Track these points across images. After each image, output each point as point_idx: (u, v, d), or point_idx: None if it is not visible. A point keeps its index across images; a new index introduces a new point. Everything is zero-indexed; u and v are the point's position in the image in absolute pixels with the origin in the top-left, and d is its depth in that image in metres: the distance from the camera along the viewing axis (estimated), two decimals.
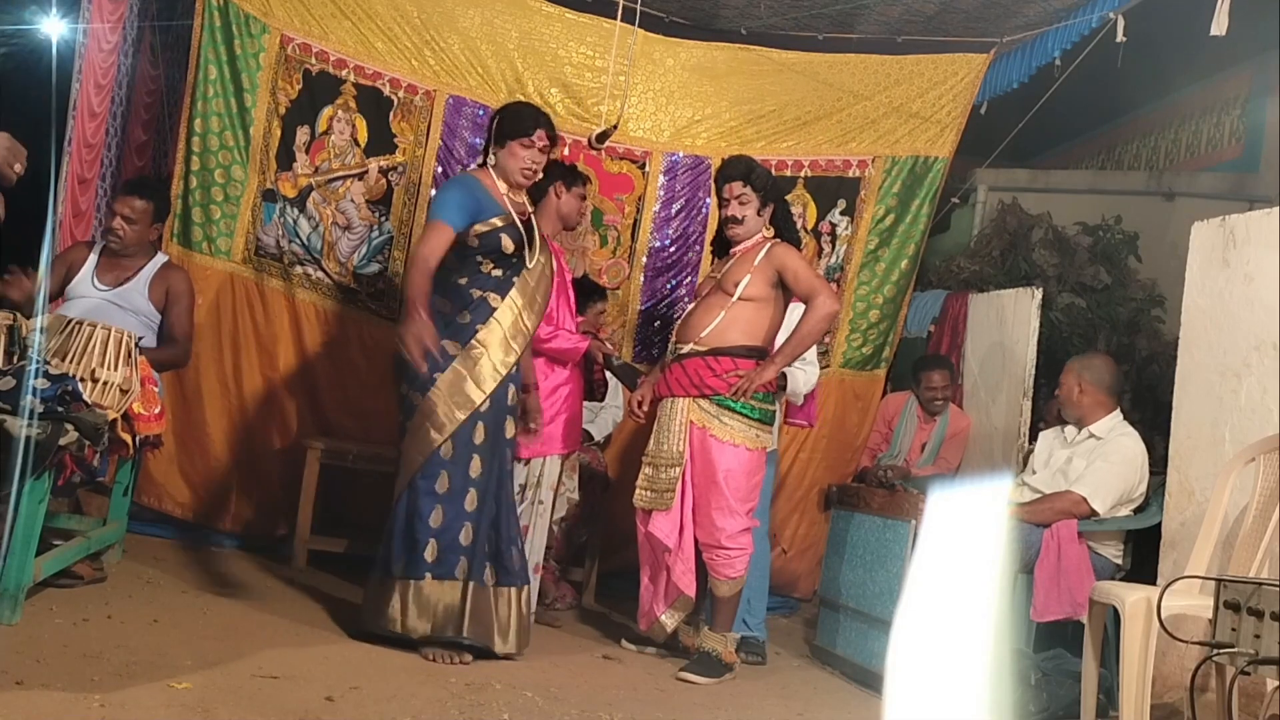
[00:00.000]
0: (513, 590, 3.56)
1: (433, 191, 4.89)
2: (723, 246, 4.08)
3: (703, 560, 3.88)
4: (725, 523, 3.79)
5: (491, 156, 3.69)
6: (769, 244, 3.92)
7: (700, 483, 3.83)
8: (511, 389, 3.63)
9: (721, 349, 3.82)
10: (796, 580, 5.27)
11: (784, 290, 3.90)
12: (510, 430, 3.65)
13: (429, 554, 3.46)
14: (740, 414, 3.80)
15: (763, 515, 4.28)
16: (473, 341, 3.52)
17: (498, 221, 3.58)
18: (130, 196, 4.12)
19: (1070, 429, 4.29)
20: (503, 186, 3.67)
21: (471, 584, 3.48)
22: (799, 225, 4.96)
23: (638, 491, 3.92)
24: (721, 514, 3.79)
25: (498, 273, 3.58)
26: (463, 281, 3.57)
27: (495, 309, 3.55)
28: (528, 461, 4.08)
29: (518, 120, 3.69)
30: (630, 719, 3.14)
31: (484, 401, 3.52)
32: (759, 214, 3.94)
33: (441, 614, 3.45)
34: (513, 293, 3.59)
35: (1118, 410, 4.25)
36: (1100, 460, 4.05)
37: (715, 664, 3.78)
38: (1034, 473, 4.30)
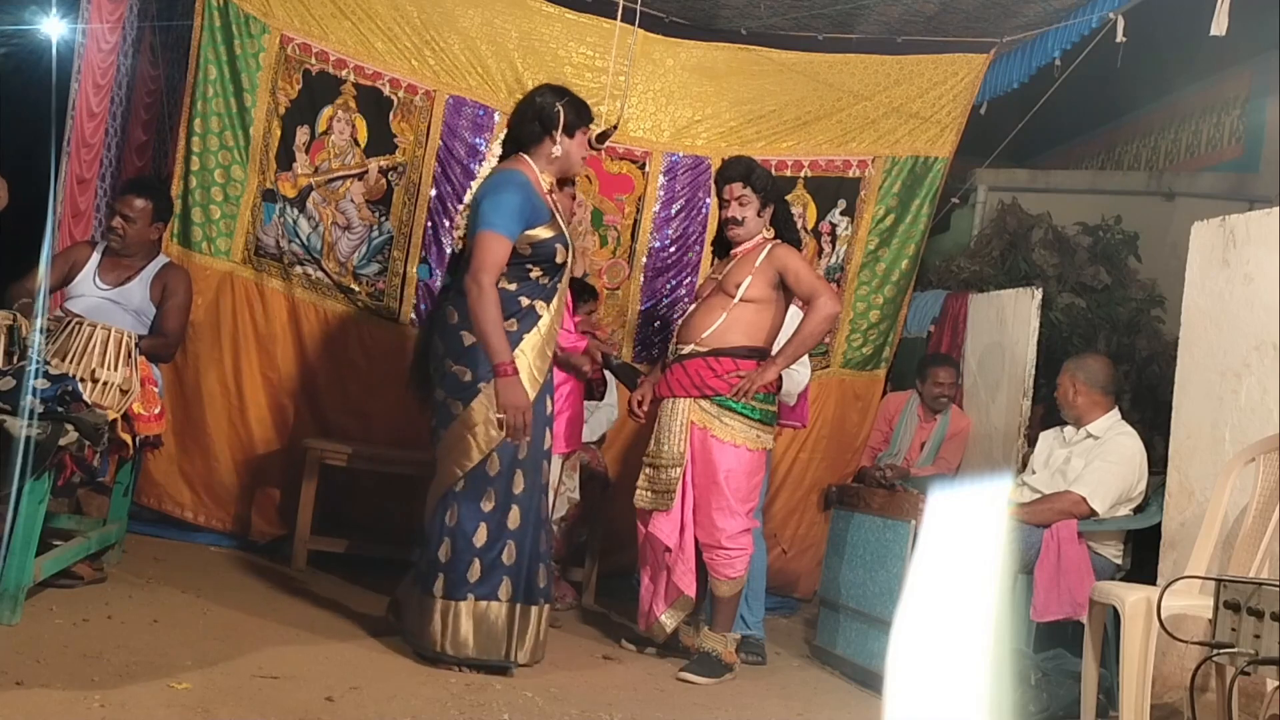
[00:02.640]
0: (536, 608, 3.45)
1: (433, 192, 4.90)
2: (723, 247, 4.07)
3: (703, 561, 3.88)
4: (726, 523, 3.79)
5: (556, 149, 3.45)
6: (770, 245, 3.91)
7: (701, 483, 3.82)
8: (547, 399, 3.49)
9: (723, 350, 3.82)
10: (796, 580, 5.26)
11: (785, 291, 3.90)
12: (547, 442, 3.51)
13: (472, 574, 3.31)
14: (741, 414, 3.80)
15: (758, 514, 4.29)
16: (517, 351, 3.32)
17: (548, 232, 3.38)
18: (130, 196, 4.12)
19: (1069, 429, 4.29)
20: (546, 182, 3.46)
21: (518, 606, 3.37)
22: (799, 225, 4.96)
23: (638, 492, 3.92)
24: (722, 514, 3.79)
25: (545, 280, 3.40)
26: (511, 287, 3.36)
27: (541, 317, 3.39)
28: None
29: (583, 109, 3.50)
30: (630, 719, 3.14)
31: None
32: (759, 215, 3.93)
33: (484, 636, 3.32)
34: (555, 299, 3.44)
35: (1115, 409, 4.25)
36: (1099, 460, 4.05)
37: (715, 664, 3.78)
38: (1034, 473, 4.30)
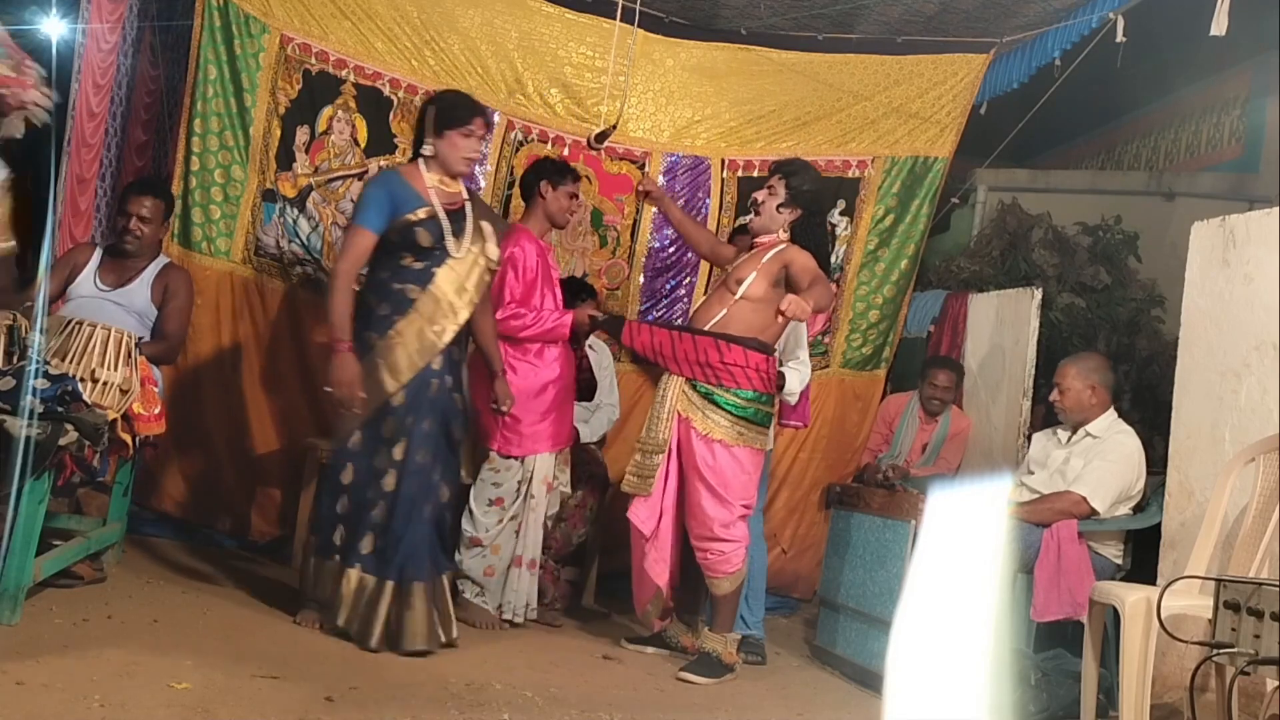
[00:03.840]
0: (419, 585, 3.51)
1: None
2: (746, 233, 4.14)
3: (698, 561, 3.87)
4: (716, 512, 3.78)
5: (428, 148, 3.64)
6: (782, 245, 3.92)
7: (687, 475, 3.83)
8: (436, 383, 3.57)
9: (735, 338, 3.81)
10: (796, 580, 5.26)
11: (787, 290, 3.88)
12: (430, 425, 3.56)
13: (337, 538, 3.53)
14: (725, 410, 3.78)
15: (758, 515, 4.28)
16: (390, 333, 3.51)
17: (418, 215, 3.56)
18: (143, 196, 4.14)
19: (1062, 430, 4.29)
20: (431, 178, 3.63)
21: (350, 573, 3.48)
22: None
23: (626, 476, 3.95)
24: (711, 503, 3.78)
25: (418, 265, 3.57)
26: (384, 275, 3.59)
27: (414, 300, 3.54)
28: (522, 459, 4.08)
29: (454, 110, 3.67)
30: (630, 719, 3.14)
31: (396, 393, 3.50)
32: (778, 210, 3.93)
33: (327, 593, 3.52)
34: (433, 284, 3.56)
35: (1113, 409, 4.24)
36: (1098, 459, 4.05)
37: (715, 664, 3.78)
38: (1030, 473, 4.30)
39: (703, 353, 3.81)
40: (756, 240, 4.01)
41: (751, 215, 4.03)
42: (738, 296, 3.85)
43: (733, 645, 3.87)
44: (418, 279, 3.56)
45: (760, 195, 3.99)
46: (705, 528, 3.80)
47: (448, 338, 3.58)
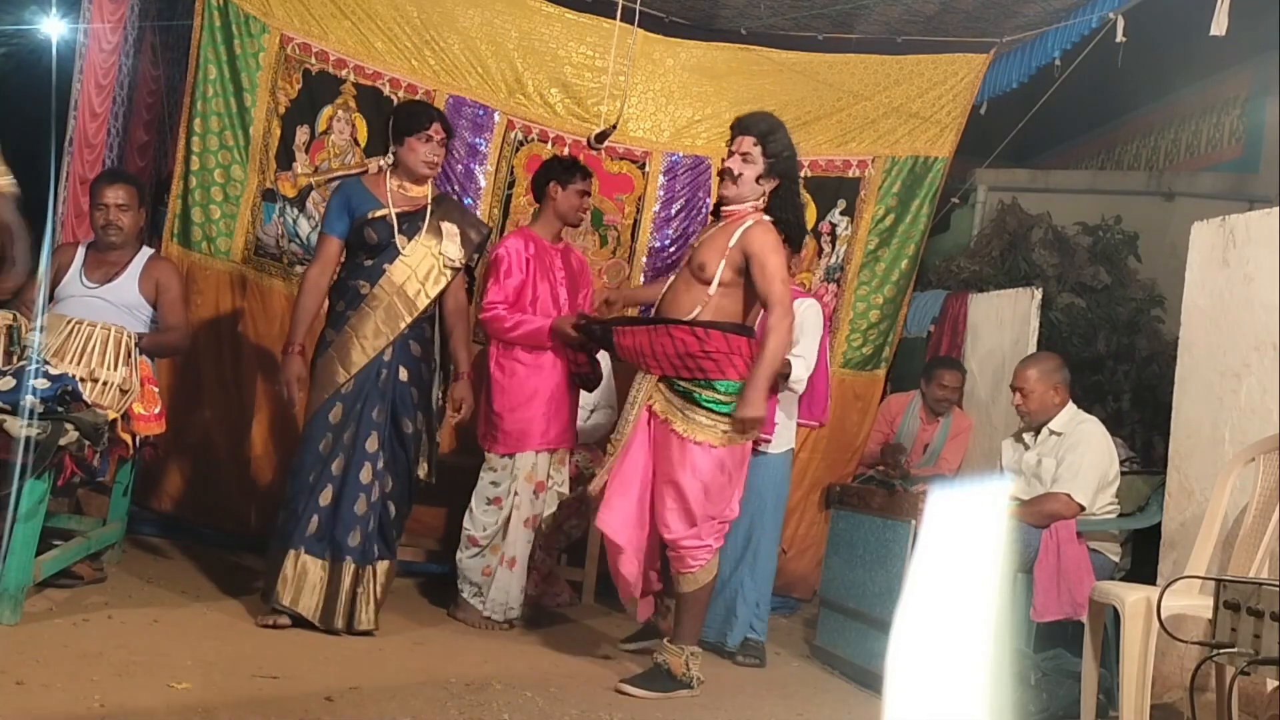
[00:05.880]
0: (351, 567, 3.58)
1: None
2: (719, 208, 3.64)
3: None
4: (678, 526, 3.44)
5: (390, 155, 3.82)
6: (749, 223, 3.45)
7: (658, 479, 3.50)
8: (385, 372, 3.70)
9: (714, 323, 3.43)
10: (796, 580, 5.26)
11: (747, 278, 3.45)
12: (379, 413, 3.67)
13: (283, 524, 3.66)
14: (707, 408, 3.42)
15: (775, 523, 4.23)
16: (345, 328, 3.69)
17: (372, 215, 3.73)
18: (115, 185, 4.03)
19: (1028, 434, 4.28)
20: (392, 184, 3.80)
21: (292, 553, 3.56)
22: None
23: (597, 479, 3.64)
24: (674, 515, 3.45)
25: (369, 262, 3.75)
26: (343, 274, 3.81)
27: (365, 295, 3.71)
28: (513, 457, 4.07)
29: (412, 117, 3.82)
30: (630, 719, 3.14)
31: (346, 382, 3.66)
32: (758, 181, 3.48)
33: (284, 581, 3.55)
34: (384, 279, 3.71)
35: (1071, 402, 4.22)
36: (1070, 454, 4.04)
37: (663, 677, 3.44)
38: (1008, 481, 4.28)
39: (681, 343, 3.42)
40: (725, 210, 3.55)
41: (723, 184, 3.52)
42: (685, 272, 3.54)
43: (691, 660, 3.48)
44: (369, 275, 3.73)
45: (734, 165, 3.47)
46: (667, 533, 3.50)
47: (400, 329, 3.71)
